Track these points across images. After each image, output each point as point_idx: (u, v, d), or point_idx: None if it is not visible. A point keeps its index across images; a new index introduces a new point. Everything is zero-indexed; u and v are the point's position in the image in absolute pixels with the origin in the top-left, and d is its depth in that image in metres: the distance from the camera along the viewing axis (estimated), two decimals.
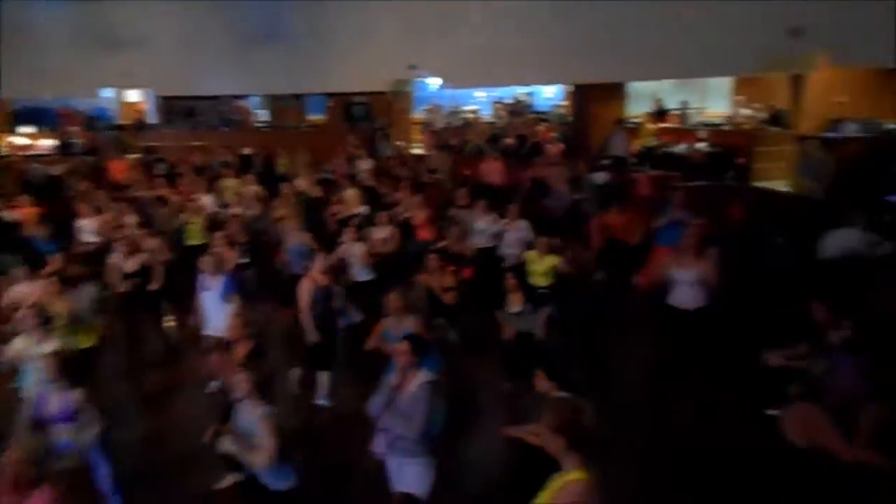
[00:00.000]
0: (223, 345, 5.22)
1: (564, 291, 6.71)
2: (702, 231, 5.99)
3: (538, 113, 16.03)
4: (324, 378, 6.25)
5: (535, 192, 10.48)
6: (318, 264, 6.34)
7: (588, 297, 7.29)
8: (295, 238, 8.00)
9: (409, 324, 5.38)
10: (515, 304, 6.14)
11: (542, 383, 4.42)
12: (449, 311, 6.75)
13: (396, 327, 5.41)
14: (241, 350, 5.34)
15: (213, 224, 9.02)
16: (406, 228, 8.49)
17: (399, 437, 4.01)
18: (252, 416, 4.01)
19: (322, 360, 6.22)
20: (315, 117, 17.21)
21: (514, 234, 7.98)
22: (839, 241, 6.48)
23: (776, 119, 11.28)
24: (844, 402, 4.40)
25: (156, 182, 11.65)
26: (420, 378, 4.01)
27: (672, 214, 7.61)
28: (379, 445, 4.20)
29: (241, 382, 4.11)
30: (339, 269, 7.13)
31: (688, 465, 5.10)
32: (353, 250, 7.53)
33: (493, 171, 12.03)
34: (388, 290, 5.68)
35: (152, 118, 16.59)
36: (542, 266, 6.85)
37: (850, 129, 10.13)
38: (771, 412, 5.40)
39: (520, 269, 6.46)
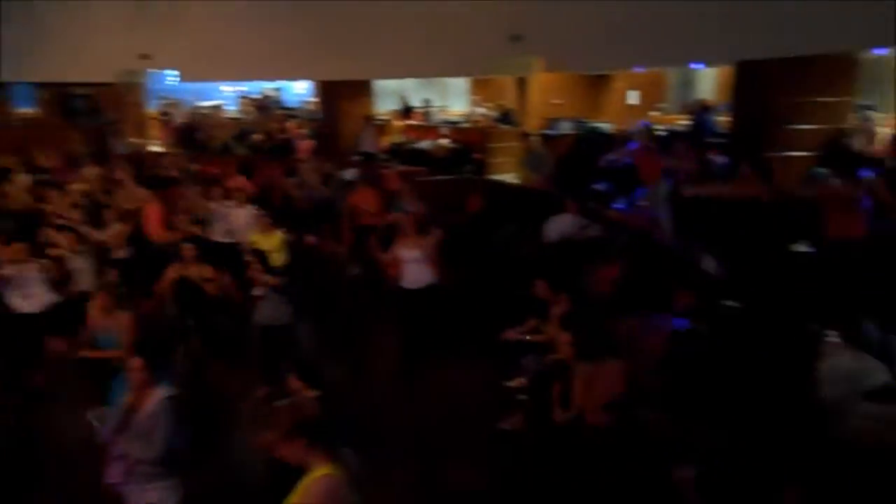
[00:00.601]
0: None
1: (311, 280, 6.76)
2: (420, 215, 6.52)
3: (287, 109, 15.76)
4: None
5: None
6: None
7: (340, 288, 7.39)
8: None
9: (121, 322, 4.96)
10: (260, 287, 6.07)
11: (295, 383, 4.38)
12: (210, 305, 6.41)
13: (106, 329, 4.96)
14: None
15: None
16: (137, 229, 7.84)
17: (138, 462, 3.66)
18: None
19: None
20: (24, 111, 14.90)
21: (241, 215, 7.95)
22: (557, 226, 7.36)
23: (505, 117, 12.46)
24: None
25: None
26: (157, 394, 3.71)
27: (404, 206, 8.07)
28: (114, 474, 3.79)
29: None
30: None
31: (448, 444, 5.40)
32: (75, 263, 6.68)
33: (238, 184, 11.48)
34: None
35: None
36: (269, 243, 6.90)
37: (565, 127, 11.58)
38: (510, 384, 5.96)
39: (261, 255, 6.38)
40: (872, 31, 6.50)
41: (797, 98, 7.44)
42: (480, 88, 14.34)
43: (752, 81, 7.85)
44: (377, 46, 11.89)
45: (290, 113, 15.44)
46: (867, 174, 5.96)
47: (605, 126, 11.75)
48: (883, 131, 7.64)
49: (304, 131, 13.99)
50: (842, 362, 4.17)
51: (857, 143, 7.31)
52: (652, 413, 4.67)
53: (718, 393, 4.21)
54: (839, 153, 6.26)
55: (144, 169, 11.33)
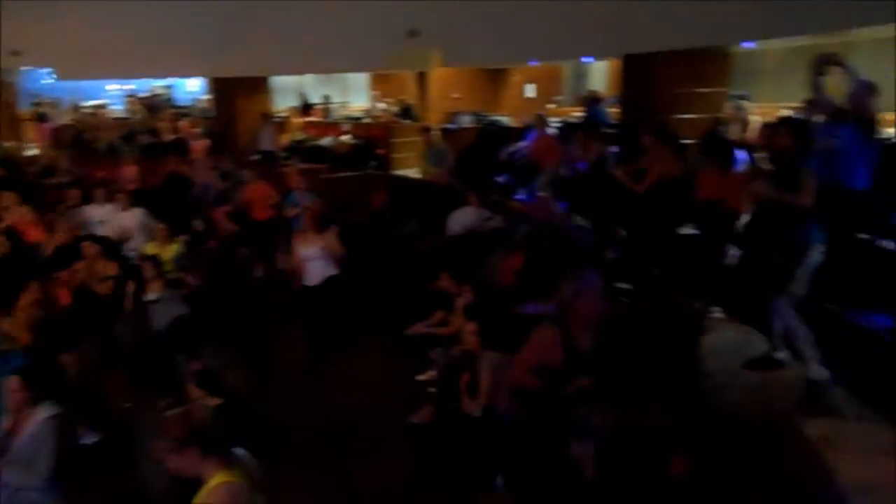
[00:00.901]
0: None
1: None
2: (317, 211, 6.44)
3: (179, 107, 15.11)
4: None
5: (174, 187, 9.79)
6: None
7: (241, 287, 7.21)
8: None
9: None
10: (154, 291, 5.89)
11: (195, 392, 4.23)
12: (108, 308, 6.11)
13: None
14: None
15: None
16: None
17: (19, 490, 3.41)
18: None
19: None
20: None
21: (127, 219, 7.68)
22: (460, 218, 7.45)
23: (407, 112, 12.49)
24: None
25: None
26: (40, 414, 3.46)
27: (298, 200, 7.97)
28: None
29: None
30: None
31: (359, 440, 5.35)
32: None
33: (127, 176, 10.89)
34: None
35: None
36: (167, 254, 6.70)
37: (465, 121, 11.75)
38: (420, 377, 5.98)
39: (154, 259, 6.15)
40: (744, 27, 6.98)
41: (677, 89, 7.87)
42: (381, 84, 14.27)
43: (637, 74, 8.24)
44: (273, 41, 11.56)
45: (182, 111, 14.80)
46: (743, 160, 6.37)
47: (505, 119, 12.00)
48: (754, 119, 8.19)
49: (198, 130, 13.45)
50: (724, 335, 4.48)
51: (733, 132, 7.80)
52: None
53: (616, 369, 4.42)
54: (717, 141, 6.65)
55: (19, 174, 10.54)
